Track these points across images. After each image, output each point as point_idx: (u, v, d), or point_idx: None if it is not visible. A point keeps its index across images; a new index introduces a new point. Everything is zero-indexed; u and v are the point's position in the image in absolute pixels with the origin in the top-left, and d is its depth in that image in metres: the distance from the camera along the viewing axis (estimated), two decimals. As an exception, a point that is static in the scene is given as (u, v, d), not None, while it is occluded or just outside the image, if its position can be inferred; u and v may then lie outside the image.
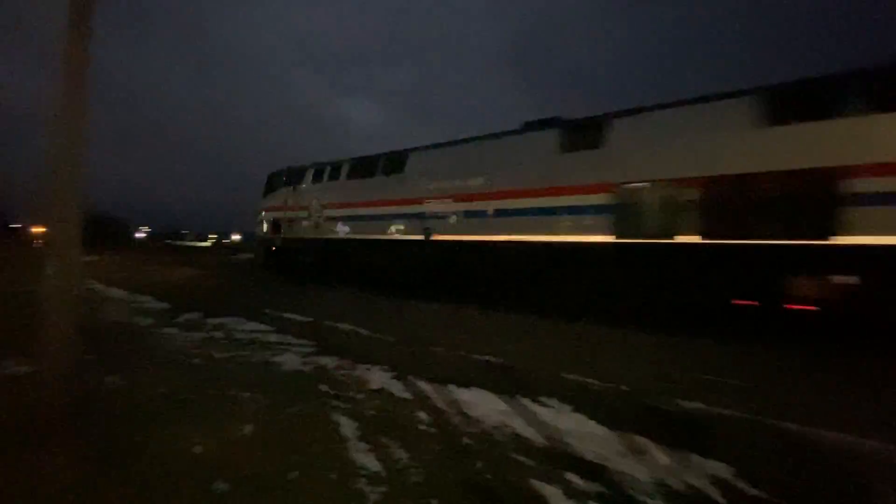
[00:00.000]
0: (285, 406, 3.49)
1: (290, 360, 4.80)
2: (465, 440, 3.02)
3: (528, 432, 3.16)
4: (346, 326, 6.79)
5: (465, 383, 4.05)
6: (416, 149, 11.09)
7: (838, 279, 5.75)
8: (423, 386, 4.04)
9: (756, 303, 6.33)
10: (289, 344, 5.56)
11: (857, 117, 5.72)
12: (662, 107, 7.53)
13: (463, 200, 9.63)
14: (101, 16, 3.13)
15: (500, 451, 2.88)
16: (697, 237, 6.75)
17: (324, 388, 3.97)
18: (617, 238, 7.48)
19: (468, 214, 9.55)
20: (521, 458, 2.79)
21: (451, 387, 3.98)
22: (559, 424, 3.28)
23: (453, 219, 9.80)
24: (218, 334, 6.06)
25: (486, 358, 5.17)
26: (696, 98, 7.23)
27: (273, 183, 15.16)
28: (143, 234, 73.82)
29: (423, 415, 3.42)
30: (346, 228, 12.32)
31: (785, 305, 6.11)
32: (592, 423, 3.29)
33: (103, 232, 38.33)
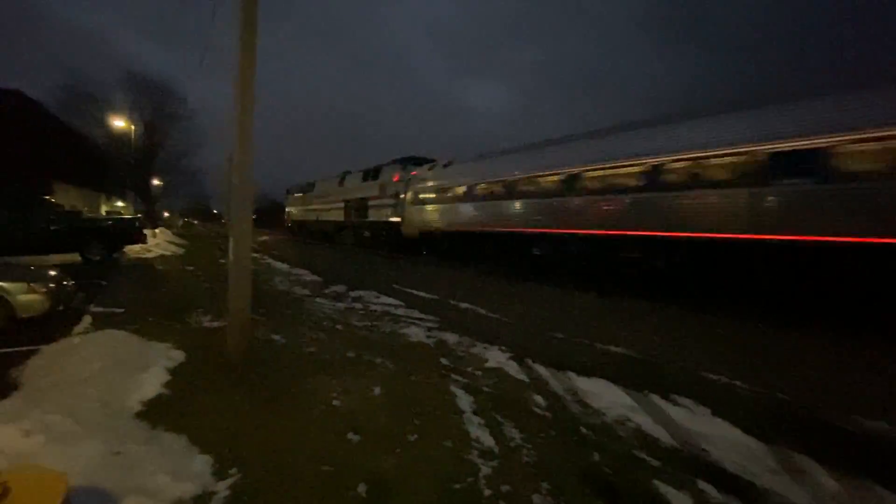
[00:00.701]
0: (409, 374, 3.79)
1: (415, 333, 5.17)
2: (583, 430, 2.90)
3: (655, 431, 2.89)
4: (465, 305, 7.03)
5: (587, 372, 3.86)
6: (318, 180, 27.50)
7: (377, 231, 19.68)
8: (541, 370, 3.98)
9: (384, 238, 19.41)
10: (416, 318, 5.98)
11: (374, 181, 19.84)
12: (356, 170, 22.64)
13: (322, 204, 25.79)
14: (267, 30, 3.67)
15: (621, 446, 2.70)
16: (358, 220, 21.38)
17: (444, 361, 4.19)
18: (345, 219, 22.71)
19: (323, 210, 25.67)
20: (645, 457, 2.57)
21: (571, 374, 3.84)
22: (694, 427, 2.93)
23: (322, 212, 25.83)
24: (357, 305, 6.82)
25: (611, 347, 4.85)
26: (358, 169, 22.47)
27: (288, 192, 34.29)
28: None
29: (539, 398, 3.38)
30: (303, 215, 29.76)
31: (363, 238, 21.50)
32: (737, 430, 2.86)
33: (273, 216, 45.95)
